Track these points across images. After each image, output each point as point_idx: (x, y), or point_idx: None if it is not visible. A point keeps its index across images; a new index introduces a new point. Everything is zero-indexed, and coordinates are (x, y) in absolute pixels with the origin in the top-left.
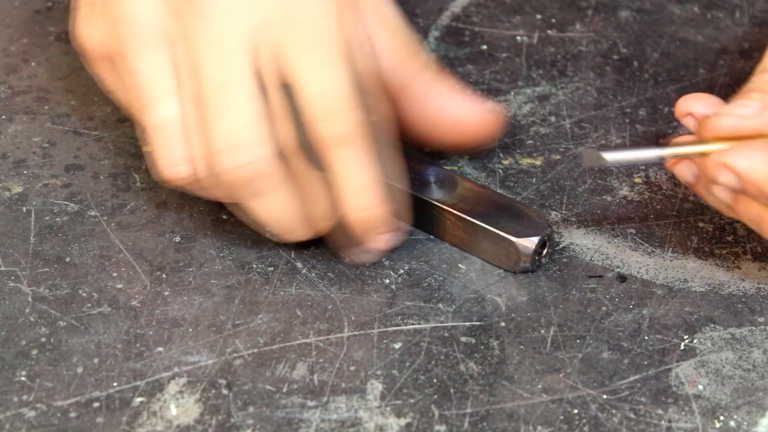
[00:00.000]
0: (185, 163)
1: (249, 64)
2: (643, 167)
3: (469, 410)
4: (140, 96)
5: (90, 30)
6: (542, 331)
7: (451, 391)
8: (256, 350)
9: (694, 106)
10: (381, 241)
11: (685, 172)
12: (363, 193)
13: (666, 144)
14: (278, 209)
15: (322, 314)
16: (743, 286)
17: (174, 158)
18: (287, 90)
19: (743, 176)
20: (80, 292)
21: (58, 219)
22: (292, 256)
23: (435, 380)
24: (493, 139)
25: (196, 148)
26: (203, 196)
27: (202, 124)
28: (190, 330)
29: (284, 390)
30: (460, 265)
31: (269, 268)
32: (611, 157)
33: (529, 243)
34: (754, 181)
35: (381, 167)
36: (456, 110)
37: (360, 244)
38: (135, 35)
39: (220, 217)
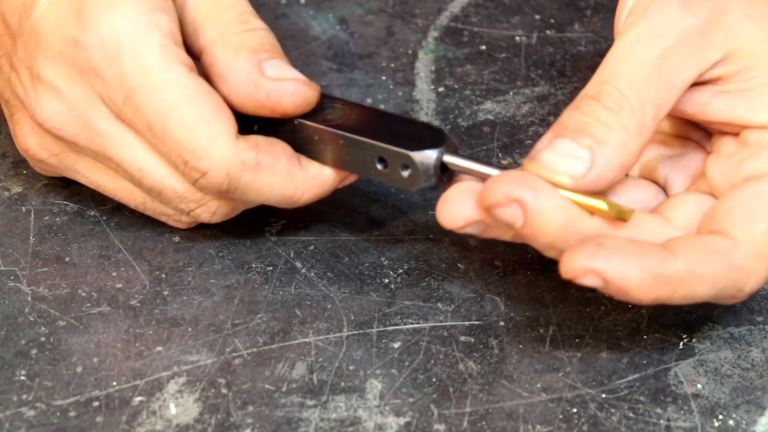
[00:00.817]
0: (185, 189)
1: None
2: None
3: (468, 409)
4: (114, 164)
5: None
6: (541, 331)
7: (450, 390)
8: (255, 349)
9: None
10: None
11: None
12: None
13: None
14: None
15: (322, 314)
16: None
17: (170, 196)
18: None
19: (612, 283)
20: (80, 291)
21: (58, 219)
22: (291, 255)
23: (434, 379)
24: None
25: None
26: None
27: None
28: (190, 329)
29: (283, 389)
30: (459, 264)
31: (268, 268)
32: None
33: (428, 156)
34: (624, 288)
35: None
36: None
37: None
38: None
39: None
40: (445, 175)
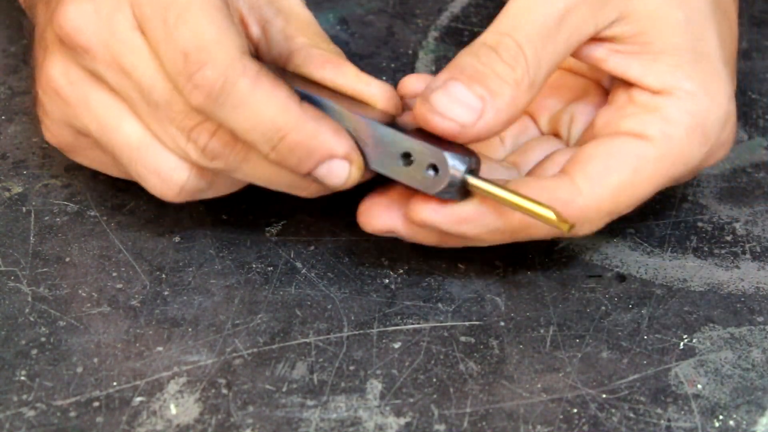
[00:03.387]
0: (176, 164)
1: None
2: None
3: (468, 409)
4: (101, 142)
5: (50, 119)
6: (541, 331)
7: (451, 390)
8: (255, 350)
9: (418, 85)
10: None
11: None
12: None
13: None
14: (263, 114)
15: (322, 314)
16: (742, 286)
17: (164, 169)
18: None
19: (451, 232)
20: (80, 291)
21: (58, 219)
22: (292, 255)
23: (434, 380)
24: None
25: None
26: (209, 180)
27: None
28: (190, 330)
29: (284, 389)
30: (459, 264)
31: (269, 268)
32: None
33: (460, 162)
34: (460, 237)
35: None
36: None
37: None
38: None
39: (219, 217)
40: (464, 190)
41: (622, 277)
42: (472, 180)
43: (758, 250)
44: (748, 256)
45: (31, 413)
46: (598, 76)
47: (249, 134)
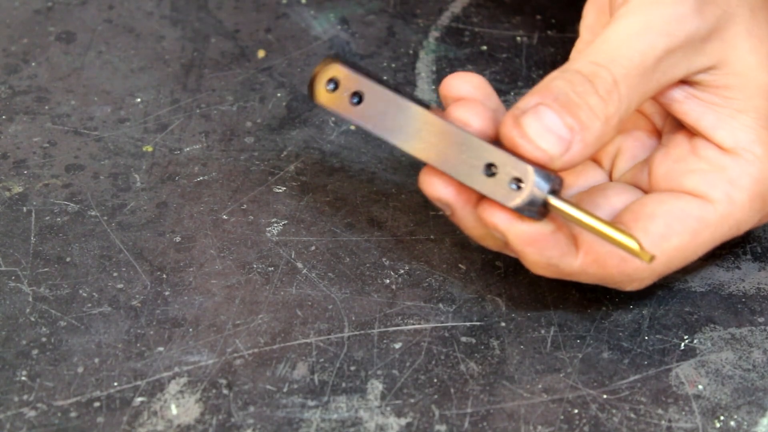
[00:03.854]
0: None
1: None
2: None
3: (469, 410)
4: None
5: None
6: (542, 331)
7: (452, 390)
8: (256, 350)
9: (462, 88)
10: None
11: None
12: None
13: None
14: None
15: (323, 314)
16: (743, 287)
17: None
18: None
19: (512, 248)
20: (81, 292)
21: (59, 219)
22: (293, 256)
23: (435, 380)
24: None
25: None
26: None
27: None
28: (191, 330)
29: (285, 390)
30: (460, 265)
31: (269, 268)
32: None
33: (545, 178)
34: (516, 255)
35: None
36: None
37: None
38: None
39: (220, 218)
40: (544, 206)
41: None
42: (553, 200)
43: (759, 250)
44: (749, 256)
45: (32, 413)
46: (650, 111)
47: None
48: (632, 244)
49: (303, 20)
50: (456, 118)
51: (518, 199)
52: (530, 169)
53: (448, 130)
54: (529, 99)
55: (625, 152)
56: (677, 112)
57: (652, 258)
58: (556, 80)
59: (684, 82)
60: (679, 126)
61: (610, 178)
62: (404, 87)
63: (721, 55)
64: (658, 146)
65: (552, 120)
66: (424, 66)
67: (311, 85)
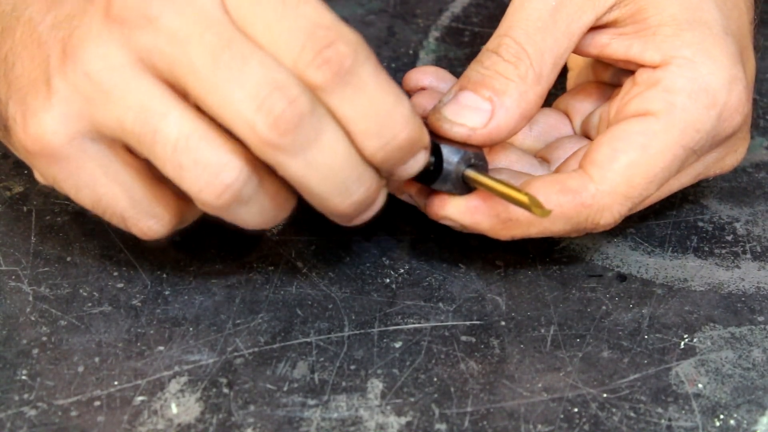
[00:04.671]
0: (228, 159)
1: (232, 25)
2: None
3: (469, 409)
4: (137, 134)
5: (57, 111)
6: (542, 330)
7: (452, 389)
8: (256, 349)
9: (423, 79)
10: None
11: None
12: (390, 119)
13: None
14: (335, 151)
15: (323, 313)
16: (743, 286)
17: (213, 163)
18: None
19: (467, 227)
20: (81, 291)
21: (59, 219)
22: (293, 255)
23: (435, 379)
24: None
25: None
26: (246, 209)
27: (226, 90)
28: (191, 329)
29: (285, 389)
30: (460, 264)
31: (270, 268)
32: None
33: (455, 153)
34: (478, 230)
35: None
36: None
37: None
38: (106, 84)
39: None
40: (466, 183)
41: (622, 277)
42: (468, 172)
43: (759, 249)
44: (748, 255)
45: (33, 412)
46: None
47: (360, 123)
48: (522, 198)
49: None
50: (414, 105)
51: (436, 177)
52: (440, 145)
53: None
54: (450, 90)
55: (604, 119)
56: (610, 57)
57: (545, 212)
58: (469, 67)
59: (604, 26)
60: (628, 72)
61: None
62: None
63: None
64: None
65: (469, 98)
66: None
67: None
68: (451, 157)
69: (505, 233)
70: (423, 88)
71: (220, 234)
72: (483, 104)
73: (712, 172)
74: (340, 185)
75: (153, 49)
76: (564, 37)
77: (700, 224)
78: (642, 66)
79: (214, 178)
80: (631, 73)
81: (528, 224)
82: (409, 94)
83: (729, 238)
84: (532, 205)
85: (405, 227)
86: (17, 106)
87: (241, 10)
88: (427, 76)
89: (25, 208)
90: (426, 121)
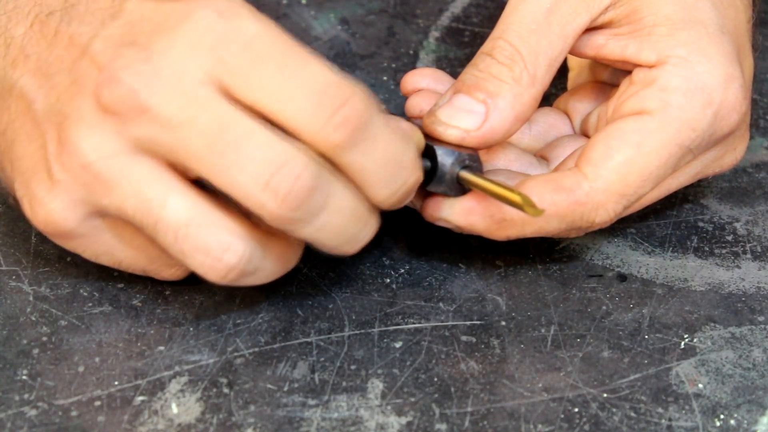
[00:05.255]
0: (231, 241)
1: (226, 102)
2: None
3: (469, 409)
4: (139, 220)
5: (61, 199)
6: (543, 330)
7: (452, 389)
8: (257, 349)
9: (420, 82)
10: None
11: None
12: (394, 173)
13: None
14: (344, 210)
15: (323, 313)
16: (743, 286)
17: (214, 248)
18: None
19: (462, 228)
20: (81, 291)
21: None
22: None
23: (436, 379)
24: None
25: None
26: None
27: (230, 173)
28: (191, 329)
29: (285, 389)
30: (460, 264)
31: None
32: None
33: (449, 154)
34: (473, 231)
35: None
36: None
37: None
38: (103, 170)
39: None
40: (461, 184)
41: (623, 277)
42: (462, 173)
43: (759, 249)
44: (748, 255)
45: (33, 412)
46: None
47: (374, 174)
48: (515, 197)
49: (303, 20)
50: (408, 106)
51: (431, 178)
52: (434, 147)
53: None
54: (445, 94)
55: (602, 119)
56: (607, 57)
57: (537, 212)
58: (464, 70)
59: (599, 27)
60: (624, 73)
61: None
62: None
63: None
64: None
65: (463, 101)
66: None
67: None
68: (445, 159)
69: (500, 233)
70: (420, 90)
71: None
72: (477, 107)
73: (710, 171)
74: (350, 237)
75: (148, 138)
76: (558, 39)
77: (701, 224)
78: (638, 66)
79: (217, 262)
80: (628, 73)
81: (522, 224)
82: (407, 95)
83: (729, 238)
84: (525, 205)
85: (405, 227)
86: (23, 190)
87: (239, 79)
88: (424, 78)
89: None
90: (421, 123)
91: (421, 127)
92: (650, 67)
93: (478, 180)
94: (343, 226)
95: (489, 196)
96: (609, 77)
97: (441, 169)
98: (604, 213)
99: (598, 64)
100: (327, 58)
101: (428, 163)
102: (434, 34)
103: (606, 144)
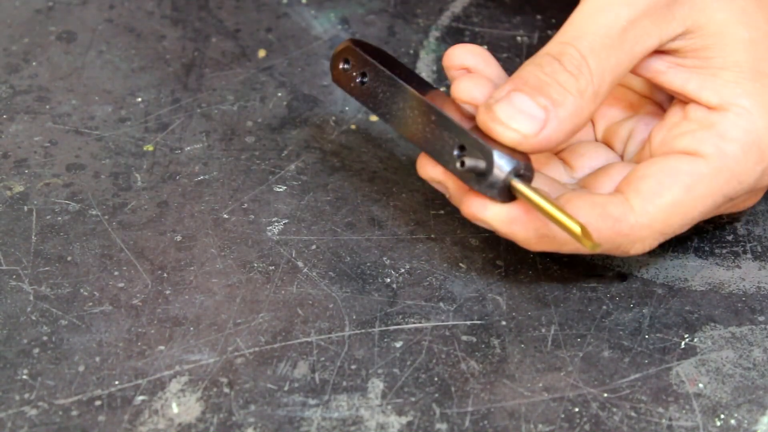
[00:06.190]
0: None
1: None
2: None
3: (470, 408)
4: None
5: None
6: (543, 330)
7: (452, 389)
8: (257, 349)
9: (468, 59)
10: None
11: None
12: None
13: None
14: None
15: (324, 313)
16: (743, 285)
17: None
18: None
19: (501, 234)
20: (81, 291)
21: (60, 218)
22: (293, 255)
23: (436, 379)
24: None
25: None
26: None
27: None
28: (192, 329)
29: (285, 388)
30: (461, 264)
31: (270, 267)
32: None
33: (506, 162)
34: (510, 238)
35: None
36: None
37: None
38: None
39: (221, 217)
40: (509, 191)
41: (623, 277)
42: (515, 183)
43: (759, 249)
44: (749, 255)
45: (33, 412)
46: (657, 95)
47: None
48: (575, 228)
49: (304, 20)
50: (459, 90)
51: (483, 182)
52: (492, 150)
53: (430, 111)
54: (503, 88)
55: (635, 135)
56: (664, 84)
57: (595, 245)
58: (526, 66)
59: (664, 52)
60: (676, 100)
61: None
62: (412, 70)
63: (691, 18)
64: (658, 122)
65: (524, 102)
66: (425, 66)
67: (330, 64)
68: (502, 164)
69: (537, 246)
70: (467, 69)
71: (220, 233)
72: (538, 112)
73: (727, 212)
74: None
75: None
76: (627, 58)
77: (701, 224)
78: (696, 102)
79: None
80: (667, 94)
81: (563, 242)
82: (449, 74)
83: (729, 237)
84: (583, 237)
85: (406, 227)
86: None
87: None
88: (472, 55)
89: (25, 208)
90: (477, 117)
91: (475, 118)
92: (710, 108)
93: (534, 197)
94: None
95: (542, 214)
96: (641, 87)
97: (496, 174)
98: (641, 246)
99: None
100: (327, 58)
101: (483, 165)
102: (434, 33)
103: (657, 180)
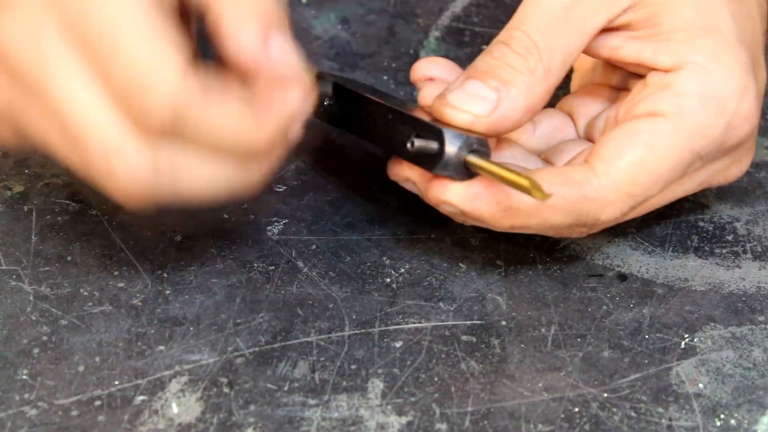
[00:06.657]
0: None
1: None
2: None
3: (470, 408)
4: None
5: None
6: (543, 330)
7: (452, 389)
8: (257, 349)
9: (432, 70)
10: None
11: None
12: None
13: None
14: (223, 126)
15: (323, 313)
16: (743, 285)
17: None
18: None
19: (467, 213)
20: (81, 290)
21: (60, 218)
22: (293, 255)
23: (436, 379)
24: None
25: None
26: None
27: (106, 79)
28: (192, 328)
29: (285, 388)
30: (461, 264)
31: (270, 267)
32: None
33: (456, 140)
34: (478, 218)
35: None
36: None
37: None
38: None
39: (221, 217)
40: (468, 169)
41: (623, 277)
42: (470, 158)
43: (759, 249)
44: (749, 255)
45: (33, 412)
46: (631, 86)
47: (219, 150)
48: (523, 182)
49: (304, 20)
50: (423, 96)
51: (438, 162)
52: (442, 129)
53: (387, 111)
54: (457, 79)
55: (610, 123)
56: (623, 59)
57: (545, 196)
58: (478, 57)
59: (615, 28)
60: (637, 77)
61: None
62: (381, 91)
63: None
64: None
65: (475, 87)
66: None
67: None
68: (453, 141)
69: (504, 222)
70: (431, 79)
71: (220, 233)
72: (489, 93)
73: (715, 182)
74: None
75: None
76: (575, 36)
77: (701, 224)
78: (653, 69)
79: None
80: (640, 77)
81: (528, 214)
82: (416, 83)
83: (729, 237)
84: (533, 189)
85: (406, 227)
86: None
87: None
88: (436, 66)
89: (25, 208)
90: (431, 108)
91: (431, 111)
92: (666, 71)
93: (485, 164)
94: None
95: (496, 180)
96: (619, 81)
97: (448, 152)
98: (611, 211)
99: (607, 66)
100: (328, 58)
101: (435, 146)
102: (434, 33)
103: (618, 142)
